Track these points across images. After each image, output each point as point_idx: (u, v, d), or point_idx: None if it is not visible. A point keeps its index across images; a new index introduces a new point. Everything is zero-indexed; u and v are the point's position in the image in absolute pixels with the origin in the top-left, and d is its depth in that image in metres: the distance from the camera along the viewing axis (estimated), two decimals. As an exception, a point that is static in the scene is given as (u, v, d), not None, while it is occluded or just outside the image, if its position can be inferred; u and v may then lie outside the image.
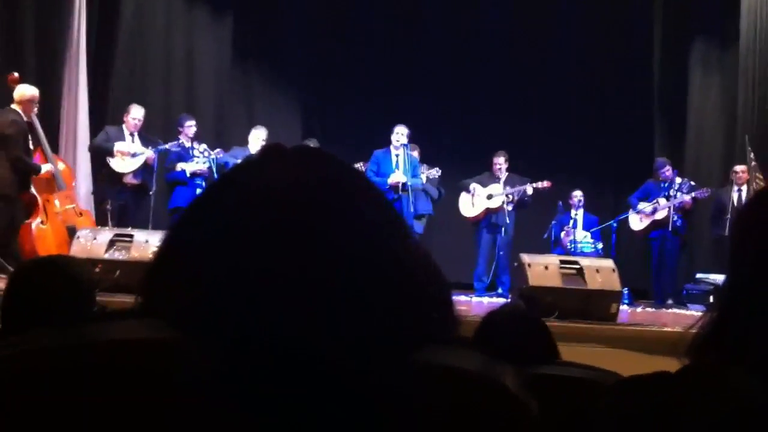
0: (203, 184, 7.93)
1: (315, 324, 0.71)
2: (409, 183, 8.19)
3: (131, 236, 5.97)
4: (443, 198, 9.08)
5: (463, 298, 7.95)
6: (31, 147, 7.02)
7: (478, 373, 0.77)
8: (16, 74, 7.15)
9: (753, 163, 8.31)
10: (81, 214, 7.32)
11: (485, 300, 8.06)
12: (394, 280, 0.76)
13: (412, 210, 8.19)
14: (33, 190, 7.06)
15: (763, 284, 0.93)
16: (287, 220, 0.75)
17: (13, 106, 6.95)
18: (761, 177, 8.18)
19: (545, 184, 8.79)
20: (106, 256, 5.77)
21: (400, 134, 8.36)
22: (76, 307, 2.04)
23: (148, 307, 0.79)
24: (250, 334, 0.71)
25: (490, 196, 8.81)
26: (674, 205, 8.57)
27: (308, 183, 0.78)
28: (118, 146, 7.59)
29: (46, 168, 7.08)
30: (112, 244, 5.87)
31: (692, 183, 8.72)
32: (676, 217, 8.61)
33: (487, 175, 8.95)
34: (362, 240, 0.76)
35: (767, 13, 9.06)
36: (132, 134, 7.76)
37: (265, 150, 0.83)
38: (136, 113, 7.80)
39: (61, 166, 7.34)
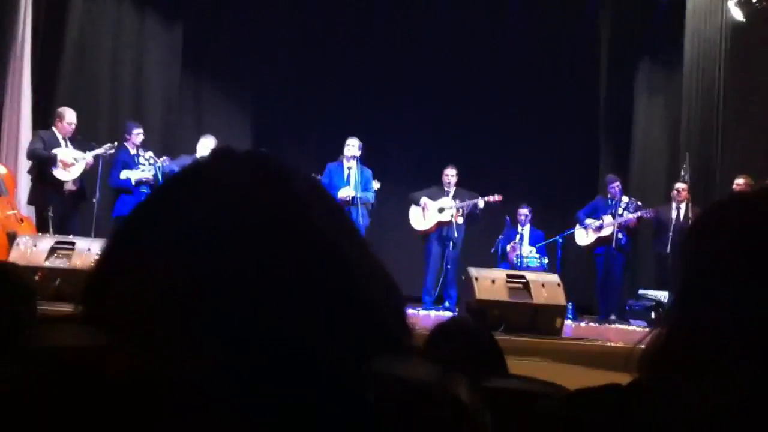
0: (149, 192, 7.81)
1: (266, 323, 0.70)
2: (358, 196, 8.18)
3: (73, 244, 5.84)
4: (393, 210, 9.11)
5: (410, 311, 7.95)
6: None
7: (434, 385, 0.76)
8: None
9: (687, 179, 8.59)
10: (22, 220, 7.12)
11: (432, 313, 8.07)
12: (348, 286, 0.74)
13: (362, 222, 8.19)
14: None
15: (713, 298, 0.94)
16: (240, 218, 0.73)
17: None
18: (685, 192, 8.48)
19: (497, 197, 8.87)
20: (47, 263, 5.63)
21: (351, 146, 8.38)
22: (18, 315, 1.98)
23: (90, 316, 0.76)
24: (204, 334, 0.70)
25: (441, 210, 8.85)
26: (619, 223, 8.73)
27: (260, 182, 0.76)
28: (59, 154, 7.41)
29: None
30: (52, 251, 5.74)
31: (639, 203, 8.89)
32: (620, 235, 8.77)
33: (436, 189, 9.00)
34: (316, 243, 0.75)
35: (710, 38, 9.32)
36: (65, 139, 7.57)
37: (215, 151, 0.81)
38: (71, 117, 7.58)
39: (2, 170, 7.15)
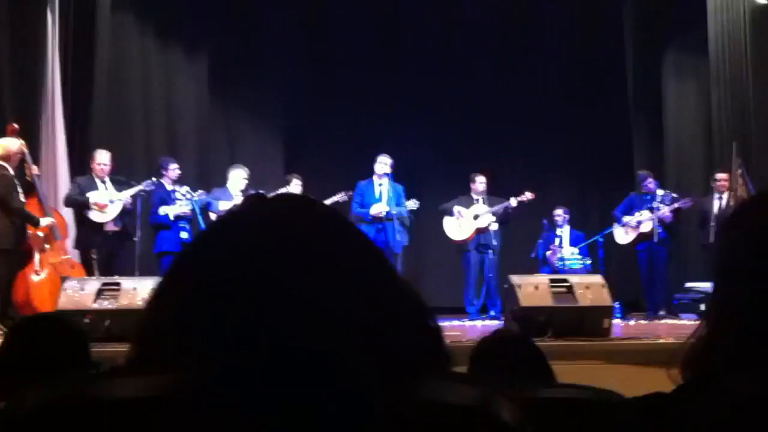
0: (187, 226, 7.91)
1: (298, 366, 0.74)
2: (393, 212, 8.19)
3: (118, 284, 5.93)
4: (426, 224, 9.09)
5: (456, 322, 7.93)
6: (23, 200, 7.01)
7: (474, 408, 0.77)
8: (16, 125, 7.14)
9: (740, 170, 8.32)
10: (73, 266, 7.26)
11: (479, 324, 8.04)
12: (375, 318, 0.77)
13: (399, 239, 8.19)
14: (30, 239, 7.02)
15: (749, 293, 0.94)
16: (271, 264, 0.77)
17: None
18: (743, 185, 8.20)
19: (529, 195, 8.80)
20: (95, 305, 5.72)
21: (383, 164, 8.40)
22: (72, 363, 2.03)
23: (144, 354, 0.80)
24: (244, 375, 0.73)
25: (476, 217, 8.82)
26: (658, 217, 8.62)
27: (289, 229, 0.81)
28: (93, 197, 7.54)
29: (45, 221, 7.06)
30: (99, 293, 5.82)
31: (674, 195, 8.77)
32: (660, 229, 8.66)
33: (464, 198, 8.94)
34: (342, 279, 0.78)
35: (733, 22, 9.20)
36: (103, 180, 7.71)
37: (247, 200, 0.86)
38: (101, 159, 7.70)
39: (56, 217, 7.34)
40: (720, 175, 8.50)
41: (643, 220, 8.74)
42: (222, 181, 8.57)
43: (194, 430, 0.72)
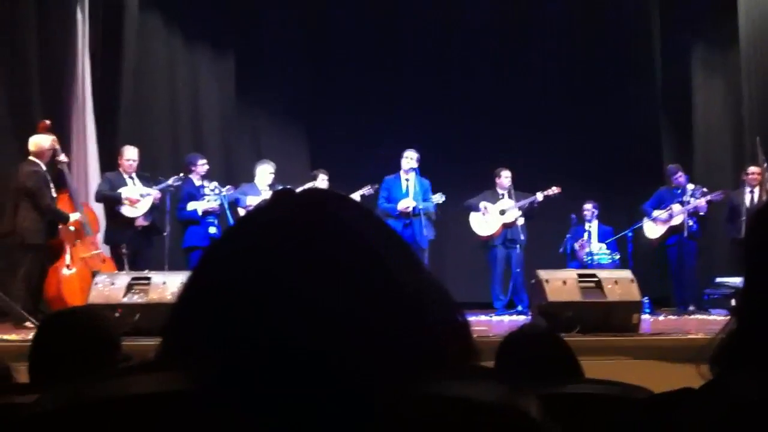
0: (215, 221, 7.96)
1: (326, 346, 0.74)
2: (420, 207, 8.18)
3: (148, 279, 5.99)
4: (451, 219, 9.05)
5: (483, 317, 7.91)
6: (54, 195, 7.11)
7: (498, 404, 0.77)
8: (47, 121, 7.24)
9: (765, 164, 8.22)
10: (104, 260, 7.37)
11: (506, 319, 8.01)
12: (375, 317, 0.77)
13: (425, 233, 8.17)
14: (61, 234, 7.12)
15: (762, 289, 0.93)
16: (272, 263, 0.78)
17: (31, 158, 7.05)
18: None
19: (555, 190, 8.72)
20: (125, 300, 5.78)
21: (409, 159, 8.37)
22: (103, 357, 2.05)
23: (171, 349, 0.81)
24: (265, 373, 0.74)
25: (503, 212, 8.77)
26: (689, 210, 8.53)
27: (316, 220, 0.81)
28: (124, 193, 7.63)
29: (75, 216, 7.16)
30: (130, 287, 5.89)
31: (704, 189, 8.67)
32: (691, 222, 8.57)
33: (489, 193, 8.89)
34: (369, 271, 0.78)
35: (764, 15, 9.06)
36: (131, 176, 7.79)
37: (275, 195, 0.87)
38: (130, 155, 7.79)
39: (87, 212, 7.44)
40: (752, 169, 8.39)
41: (674, 214, 8.65)
42: (246, 178, 8.60)
43: (194, 430, 0.73)
